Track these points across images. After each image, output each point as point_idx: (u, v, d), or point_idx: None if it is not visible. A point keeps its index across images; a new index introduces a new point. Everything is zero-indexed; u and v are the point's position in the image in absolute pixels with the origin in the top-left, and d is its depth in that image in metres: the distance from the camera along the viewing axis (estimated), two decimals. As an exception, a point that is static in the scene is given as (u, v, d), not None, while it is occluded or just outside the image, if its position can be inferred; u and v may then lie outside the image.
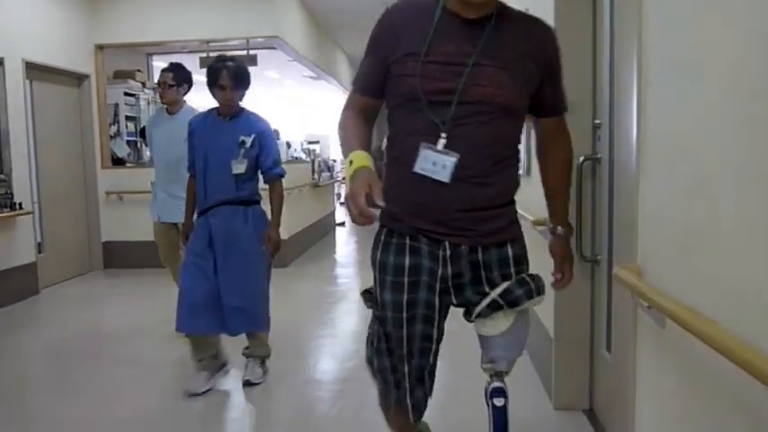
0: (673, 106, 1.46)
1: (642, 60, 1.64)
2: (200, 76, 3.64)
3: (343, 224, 10.64)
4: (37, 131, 5.85)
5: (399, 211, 1.60)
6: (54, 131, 6.21)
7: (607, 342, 2.57)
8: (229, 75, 3.07)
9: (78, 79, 6.58)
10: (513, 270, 1.65)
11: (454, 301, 1.68)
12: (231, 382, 3.35)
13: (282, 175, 3.30)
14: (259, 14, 6.80)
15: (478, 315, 1.65)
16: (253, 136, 3.15)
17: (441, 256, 1.60)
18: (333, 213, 10.37)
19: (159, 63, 8.28)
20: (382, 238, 1.68)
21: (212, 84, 3.11)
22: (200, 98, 4.05)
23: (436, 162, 1.51)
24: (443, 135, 1.52)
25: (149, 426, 2.88)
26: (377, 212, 1.42)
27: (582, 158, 2.61)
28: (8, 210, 5.09)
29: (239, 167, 3.11)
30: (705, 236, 1.28)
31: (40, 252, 5.82)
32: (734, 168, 1.16)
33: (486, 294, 1.64)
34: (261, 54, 7.32)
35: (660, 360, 1.57)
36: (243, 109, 3.23)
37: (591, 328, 2.78)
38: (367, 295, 1.75)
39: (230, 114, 3.18)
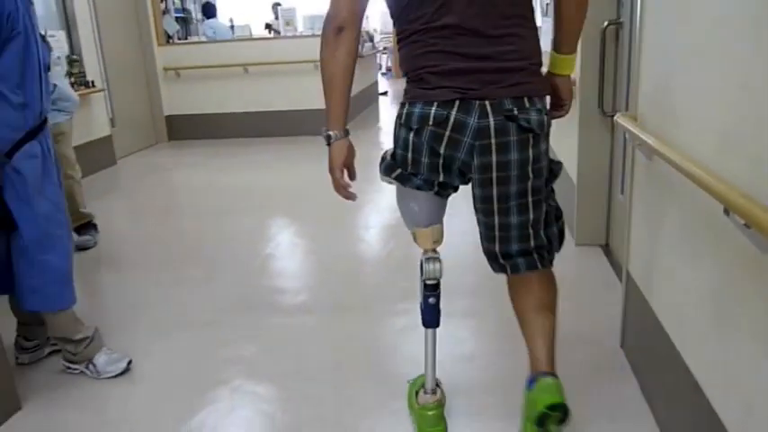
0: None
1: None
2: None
3: (385, 93, 10.92)
4: (98, 12, 6.21)
5: None
6: (112, 11, 6.56)
7: (621, 186, 2.99)
8: None
9: (128, -43, 6.81)
10: None
11: None
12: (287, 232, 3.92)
13: None
14: None
15: None
16: None
17: None
18: (375, 83, 10.62)
19: (200, -64, 8.34)
20: None
21: None
22: None
23: None
24: None
25: (228, 267, 3.50)
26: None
27: (606, 23, 2.89)
28: (84, 88, 5.59)
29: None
30: (689, 91, 1.65)
31: (113, 126, 6.40)
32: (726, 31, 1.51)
33: None
34: None
35: (647, 184, 2.00)
36: None
37: (609, 176, 3.19)
38: None
39: None
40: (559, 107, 1.74)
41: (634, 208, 2.16)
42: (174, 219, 4.51)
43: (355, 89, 9.27)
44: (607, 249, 3.25)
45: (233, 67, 7.04)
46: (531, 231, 1.64)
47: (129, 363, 2.39)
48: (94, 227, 3.85)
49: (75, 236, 3.46)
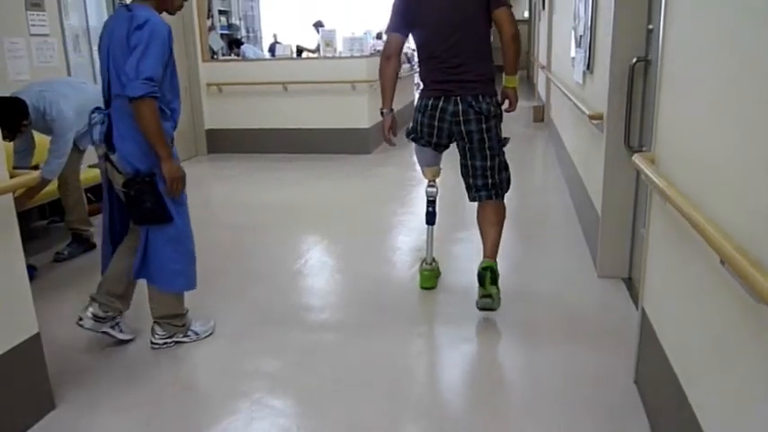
0: (693, 17, 1.83)
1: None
2: None
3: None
4: (147, 28, 6.46)
5: None
6: (160, 28, 6.81)
7: (645, 221, 3.01)
8: None
9: (178, -23, 7.08)
10: None
11: None
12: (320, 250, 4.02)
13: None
14: None
15: None
16: None
17: None
18: (412, 103, 10.74)
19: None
20: None
21: None
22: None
23: None
24: None
25: (256, 271, 3.62)
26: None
27: (634, 60, 2.94)
28: (130, 100, 5.82)
29: None
30: (703, 136, 1.70)
31: (155, 138, 6.62)
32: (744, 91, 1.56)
33: None
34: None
35: (662, 224, 2.04)
36: None
37: (634, 209, 3.21)
38: None
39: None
40: (510, 106, 3.00)
41: (650, 245, 2.20)
42: (209, 230, 4.65)
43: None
44: (630, 283, 3.27)
45: (273, 85, 7.25)
46: (488, 173, 2.93)
47: (214, 324, 2.92)
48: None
49: None
